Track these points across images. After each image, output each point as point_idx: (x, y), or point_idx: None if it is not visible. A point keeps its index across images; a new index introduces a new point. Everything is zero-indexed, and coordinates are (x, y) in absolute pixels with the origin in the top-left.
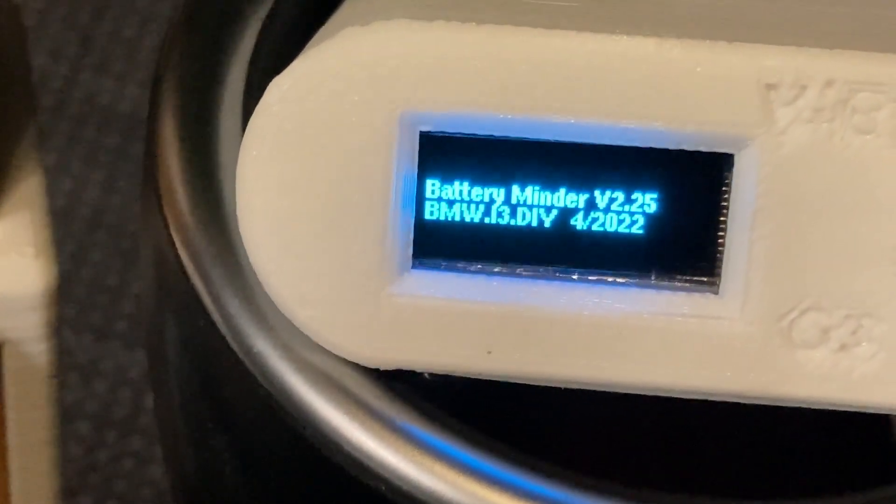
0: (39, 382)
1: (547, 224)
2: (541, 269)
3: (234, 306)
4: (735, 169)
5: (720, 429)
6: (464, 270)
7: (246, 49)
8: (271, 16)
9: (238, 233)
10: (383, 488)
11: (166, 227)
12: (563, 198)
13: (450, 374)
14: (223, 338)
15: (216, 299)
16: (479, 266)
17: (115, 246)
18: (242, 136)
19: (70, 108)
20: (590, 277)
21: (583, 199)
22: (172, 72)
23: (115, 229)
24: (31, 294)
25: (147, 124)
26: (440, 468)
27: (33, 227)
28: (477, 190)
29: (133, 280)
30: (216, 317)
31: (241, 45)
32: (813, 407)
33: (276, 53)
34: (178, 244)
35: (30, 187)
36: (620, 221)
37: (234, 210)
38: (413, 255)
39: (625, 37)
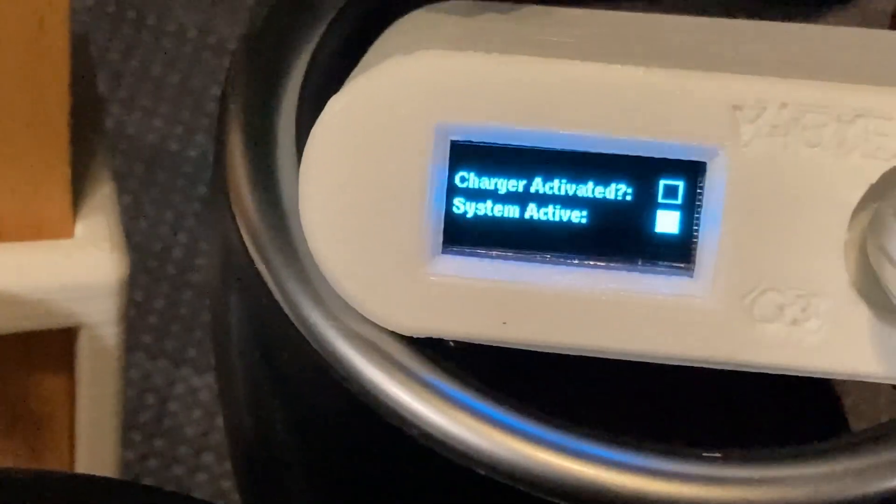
0: (110, 362)
1: (552, 218)
2: (547, 255)
3: (292, 285)
4: (707, 175)
5: (691, 390)
6: (484, 255)
7: (298, 75)
8: (318, 49)
9: (295, 223)
10: (415, 433)
11: (233, 220)
12: (567, 197)
13: (471, 341)
14: (282, 311)
15: (276, 279)
16: (496, 252)
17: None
18: (296, 145)
19: None
20: (587, 262)
21: (583, 198)
22: (237, 93)
23: (141, 247)
24: (107, 283)
25: (216, 135)
26: (462, 416)
27: (108, 225)
28: (496, 189)
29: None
30: (276, 294)
31: (293, 72)
32: (769, 372)
33: (322, 79)
34: (243, 234)
35: (104, 192)
36: (613, 217)
37: (292, 205)
38: (443, 242)
39: (618, 66)
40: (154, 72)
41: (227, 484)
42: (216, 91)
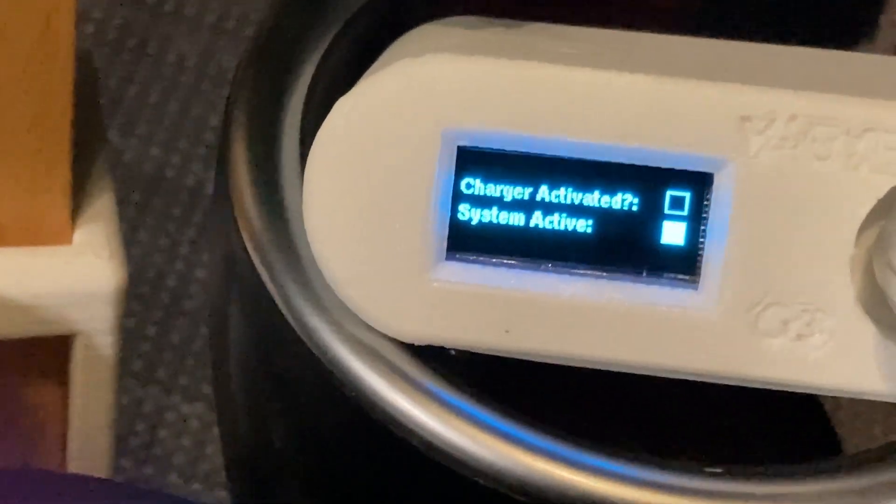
0: (105, 371)
1: (558, 227)
2: (551, 264)
3: (294, 289)
4: (714, 186)
5: (679, 404)
6: (488, 263)
7: (304, 80)
8: (325, 56)
9: (298, 227)
10: (417, 442)
11: (235, 223)
12: (573, 206)
13: (473, 349)
14: (283, 316)
15: (278, 284)
16: (500, 259)
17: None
18: (300, 148)
19: None
20: (592, 272)
21: (589, 207)
22: (242, 96)
23: (134, 274)
24: (104, 290)
25: (219, 140)
26: (464, 426)
27: (108, 234)
28: (502, 196)
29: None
30: (277, 299)
31: (299, 77)
32: (773, 388)
33: (329, 85)
34: (245, 237)
35: (104, 201)
36: (619, 227)
37: (295, 208)
38: (447, 248)
39: (627, 73)
40: (152, 100)
41: None
42: (215, 121)
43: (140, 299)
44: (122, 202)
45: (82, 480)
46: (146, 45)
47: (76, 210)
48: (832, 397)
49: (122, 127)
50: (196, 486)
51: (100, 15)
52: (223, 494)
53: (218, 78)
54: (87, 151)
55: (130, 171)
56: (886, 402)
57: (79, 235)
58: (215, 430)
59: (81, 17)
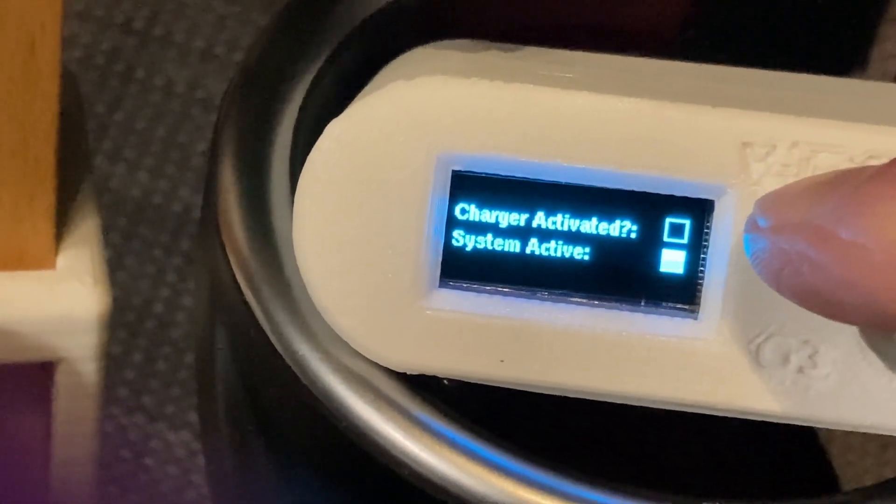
0: (89, 398)
1: (554, 254)
2: (547, 292)
3: (282, 317)
4: (715, 213)
5: (676, 436)
6: (482, 290)
7: (294, 105)
8: (315, 81)
9: (286, 254)
10: (406, 473)
11: (223, 251)
12: (570, 233)
13: (466, 379)
14: (271, 345)
15: (266, 311)
16: (495, 287)
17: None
18: (290, 173)
19: None
20: (589, 301)
21: (586, 234)
22: (230, 123)
23: (120, 301)
24: (88, 317)
25: (207, 165)
26: (455, 456)
27: (92, 260)
28: (497, 223)
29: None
30: (266, 326)
31: (289, 102)
32: (773, 420)
33: (320, 109)
34: (233, 265)
35: (88, 227)
36: (616, 254)
37: (284, 234)
38: (441, 275)
39: (626, 98)
40: (140, 125)
41: None
42: (203, 146)
43: (126, 326)
44: (108, 228)
45: None
46: (134, 71)
47: (60, 235)
48: (825, 429)
49: (110, 152)
50: None
51: (88, 40)
52: None
53: (206, 103)
54: (73, 177)
55: (117, 197)
56: (878, 436)
57: (62, 261)
58: (201, 459)
59: (69, 42)
